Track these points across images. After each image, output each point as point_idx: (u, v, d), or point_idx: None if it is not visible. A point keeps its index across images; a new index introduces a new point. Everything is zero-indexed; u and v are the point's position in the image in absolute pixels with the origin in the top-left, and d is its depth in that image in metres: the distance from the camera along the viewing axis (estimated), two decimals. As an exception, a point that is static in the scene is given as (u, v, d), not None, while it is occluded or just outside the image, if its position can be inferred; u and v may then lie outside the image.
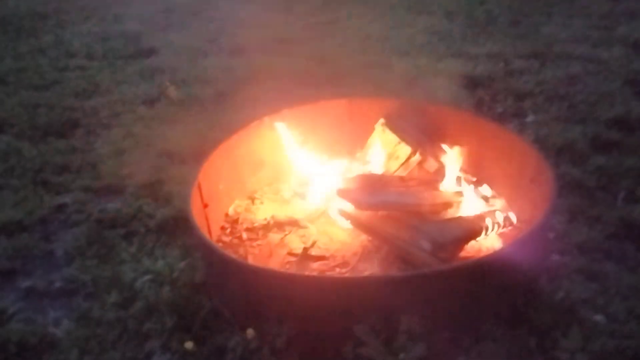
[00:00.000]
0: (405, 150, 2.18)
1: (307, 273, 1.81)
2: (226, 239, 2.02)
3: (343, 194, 1.93)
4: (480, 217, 1.88)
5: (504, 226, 1.90)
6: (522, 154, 1.98)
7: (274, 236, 2.02)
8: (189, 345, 1.57)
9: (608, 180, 2.33)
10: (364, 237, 1.94)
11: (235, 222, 2.11)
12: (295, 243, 1.97)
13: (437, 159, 2.13)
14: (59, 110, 3.19)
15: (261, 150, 2.23)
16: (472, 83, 3.35)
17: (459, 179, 2.09)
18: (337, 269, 1.83)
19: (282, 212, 2.14)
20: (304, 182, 2.21)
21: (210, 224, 1.94)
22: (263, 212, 2.15)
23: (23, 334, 1.70)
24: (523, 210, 1.92)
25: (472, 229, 1.82)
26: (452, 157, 2.09)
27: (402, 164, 2.19)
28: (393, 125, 2.22)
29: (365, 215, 1.90)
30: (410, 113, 2.28)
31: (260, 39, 4.32)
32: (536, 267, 1.72)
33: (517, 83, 3.32)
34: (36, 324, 1.76)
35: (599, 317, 1.63)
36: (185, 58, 3.99)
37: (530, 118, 2.89)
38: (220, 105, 3.19)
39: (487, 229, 1.84)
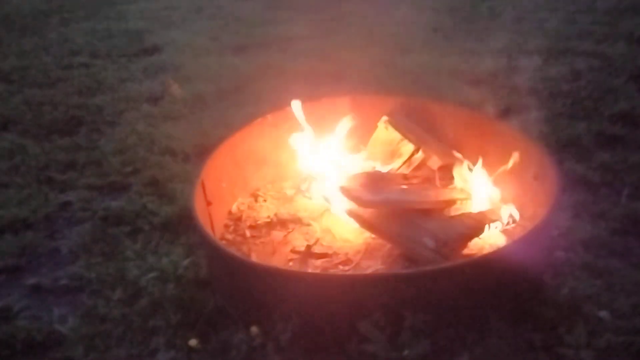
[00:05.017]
0: (408, 147, 2.18)
1: (310, 270, 1.82)
2: (229, 236, 2.03)
3: (346, 191, 1.92)
4: (484, 214, 1.88)
5: (508, 223, 1.90)
6: (526, 150, 1.97)
7: (277, 234, 2.02)
8: (193, 342, 1.58)
9: (612, 177, 2.32)
10: (367, 235, 1.94)
11: (238, 219, 2.11)
12: (299, 240, 1.97)
13: (443, 158, 2.13)
14: (63, 108, 3.20)
15: (264, 148, 2.23)
16: (476, 80, 3.35)
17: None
18: (340, 267, 1.84)
19: (285, 210, 2.14)
20: (307, 180, 2.21)
21: (214, 221, 1.94)
22: (266, 210, 2.16)
23: (29, 331, 1.70)
24: (527, 207, 1.92)
25: (476, 226, 1.82)
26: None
27: (405, 161, 2.19)
28: (396, 122, 2.22)
29: (368, 212, 1.90)
30: (414, 110, 2.28)
31: (263, 36, 4.32)
32: (540, 263, 1.72)
33: (521, 79, 3.31)
34: (41, 321, 1.76)
35: (603, 314, 1.63)
36: (189, 55, 4.00)
37: (534, 114, 2.88)
38: (224, 102, 3.20)
39: (490, 225, 1.84)
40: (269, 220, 2.09)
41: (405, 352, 1.42)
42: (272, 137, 2.23)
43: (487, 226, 1.83)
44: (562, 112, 2.88)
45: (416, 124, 2.25)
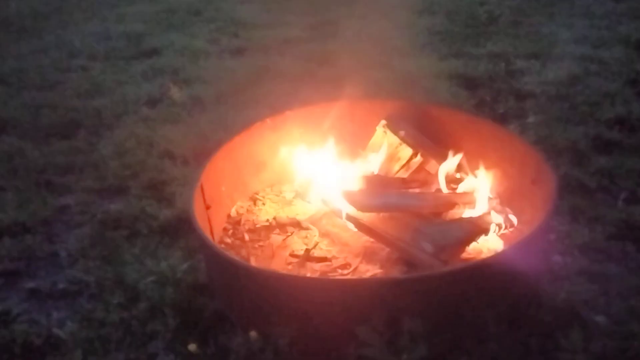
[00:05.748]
0: (406, 151, 2.19)
1: (309, 275, 1.82)
2: (228, 240, 2.03)
3: (345, 195, 1.93)
4: (482, 219, 1.89)
5: (505, 228, 1.91)
6: (523, 154, 1.98)
7: (276, 237, 2.02)
8: (192, 346, 1.58)
9: (609, 181, 2.33)
10: (365, 239, 1.94)
11: (237, 223, 2.12)
12: (298, 244, 1.98)
13: (439, 161, 2.14)
14: (61, 111, 3.20)
15: (263, 152, 2.24)
16: (473, 84, 3.36)
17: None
18: (339, 271, 1.84)
19: (284, 214, 2.14)
20: (306, 184, 2.21)
21: (213, 225, 1.95)
22: (265, 214, 2.16)
23: (27, 335, 1.71)
24: (524, 211, 1.93)
25: (474, 231, 1.83)
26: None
27: (403, 165, 2.20)
28: (394, 126, 2.23)
29: (367, 217, 1.91)
30: (412, 114, 2.29)
31: (261, 39, 4.33)
32: (537, 268, 1.73)
33: (518, 83, 3.32)
34: (40, 325, 1.77)
35: (600, 318, 1.64)
36: (187, 59, 4.00)
37: (531, 119, 2.89)
38: (222, 106, 3.20)
39: (488, 230, 1.85)
40: (268, 224, 2.09)
41: (404, 357, 1.42)
42: (272, 140, 2.24)
43: (484, 231, 1.84)
44: (559, 116, 2.89)
45: (414, 128, 2.26)
